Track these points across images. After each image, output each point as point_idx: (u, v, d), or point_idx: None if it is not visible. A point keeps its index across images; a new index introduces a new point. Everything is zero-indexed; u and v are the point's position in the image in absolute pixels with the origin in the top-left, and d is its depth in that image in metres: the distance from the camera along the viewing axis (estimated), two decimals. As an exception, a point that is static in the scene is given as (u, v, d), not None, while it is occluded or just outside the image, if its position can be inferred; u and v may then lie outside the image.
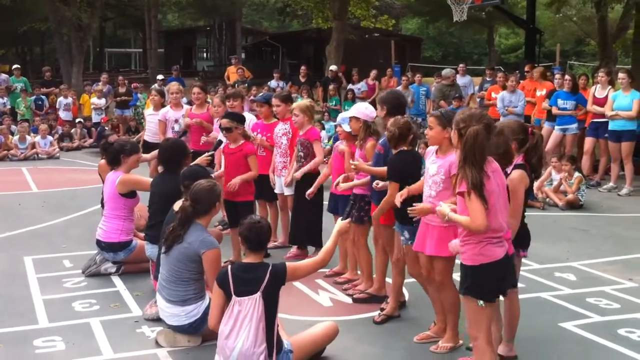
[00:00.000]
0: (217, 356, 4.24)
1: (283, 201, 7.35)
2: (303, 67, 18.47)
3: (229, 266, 4.33)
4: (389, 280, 5.65)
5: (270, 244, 6.76)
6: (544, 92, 12.40)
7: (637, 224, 8.81)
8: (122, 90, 17.86)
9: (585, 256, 7.25)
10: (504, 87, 13.10)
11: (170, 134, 8.75)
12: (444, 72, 14.86)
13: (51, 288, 6.09)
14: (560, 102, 11.49)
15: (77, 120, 17.41)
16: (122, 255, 6.46)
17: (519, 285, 4.75)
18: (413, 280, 5.27)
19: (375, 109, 5.71)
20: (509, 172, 4.25)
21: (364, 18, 25.63)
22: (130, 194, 6.48)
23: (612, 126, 10.70)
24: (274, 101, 7.23)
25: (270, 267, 4.23)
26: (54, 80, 20.37)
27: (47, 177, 12.59)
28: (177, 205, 5.19)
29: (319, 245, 6.68)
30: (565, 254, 7.32)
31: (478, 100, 14.99)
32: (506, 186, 3.99)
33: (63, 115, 17.65)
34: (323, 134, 13.22)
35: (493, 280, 3.87)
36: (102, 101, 17.74)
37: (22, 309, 5.57)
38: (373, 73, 17.84)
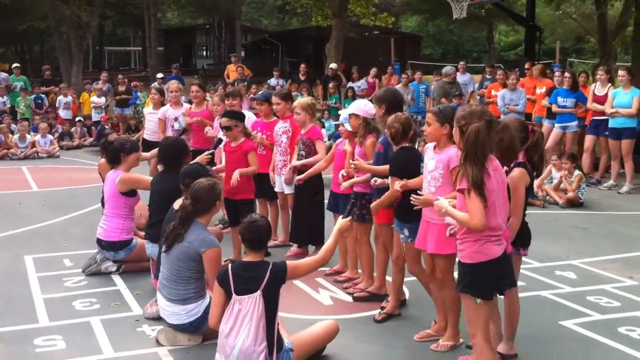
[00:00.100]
0: (218, 355, 4.24)
1: (283, 200, 7.35)
2: (303, 65, 18.45)
3: (230, 265, 4.33)
4: (389, 278, 5.65)
5: (271, 243, 6.77)
6: (543, 89, 12.39)
7: (637, 222, 8.81)
8: (121, 88, 17.85)
9: (585, 254, 7.25)
10: (504, 85, 13.09)
11: (170, 133, 8.76)
12: (445, 69, 14.86)
13: (51, 287, 6.09)
14: (560, 99, 11.48)
15: (77, 119, 17.40)
16: (122, 254, 6.46)
17: (520, 283, 4.76)
18: (413, 278, 5.26)
19: None
20: (509, 170, 4.25)
21: (364, 16, 25.61)
22: (130, 193, 6.48)
23: (612, 124, 10.70)
24: (274, 99, 7.22)
25: (270, 266, 4.23)
26: (54, 79, 20.40)
27: (47, 176, 12.59)
28: (177, 204, 5.19)
29: (320, 244, 6.67)
30: (566, 252, 7.32)
31: (478, 98, 14.99)
32: (507, 185, 3.99)
33: (63, 114, 17.66)
34: (323, 132, 13.19)
35: (491, 278, 3.88)
36: (102, 100, 17.74)
37: (22, 308, 5.58)
38: (373, 71, 17.85)
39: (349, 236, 6.14)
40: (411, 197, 4.38)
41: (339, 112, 6.69)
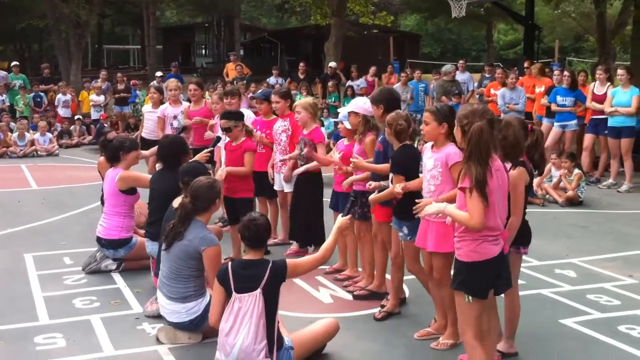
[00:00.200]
0: (218, 353, 4.24)
1: (283, 198, 7.34)
2: (302, 64, 18.43)
3: (229, 263, 4.33)
4: (389, 277, 5.66)
5: (271, 241, 6.76)
6: (542, 88, 12.39)
7: (636, 221, 8.82)
8: (120, 87, 17.84)
9: (585, 253, 7.26)
10: (503, 84, 13.08)
11: (169, 131, 8.76)
12: (445, 68, 14.85)
13: (51, 285, 6.09)
14: (559, 98, 11.48)
15: (76, 117, 17.39)
16: (122, 252, 6.45)
17: (520, 281, 4.77)
18: (413, 277, 5.26)
19: None
20: (513, 168, 4.25)
21: (363, 14, 25.59)
22: (130, 191, 6.48)
23: (611, 122, 10.70)
24: (273, 98, 7.22)
25: (270, 264, 4.23)
26: (53, 77, 20.37)
27: (46, 174, 12.58)
28: (176, 202, 5.19)
29: (319, 244, 6.66)
30: (565, 251, 7.33)
31: (477, 96, 14.99)
32: (507, 185, 3.98)
33: (62, 112, 17.65)
34: (322, 130, 13.19)
35: (487, 278, 3.88)
36: (101, 98, 17.72)
37: (22, 306, 5.58)
38: (372, 69, 17.84)
39: (348, 234, 6.14)
40: (413, 208, 4.34)
41: (338, 110, 6.68)
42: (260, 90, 9.41)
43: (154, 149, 7.33)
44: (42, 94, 18.10)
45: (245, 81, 16.24)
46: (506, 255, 4.04)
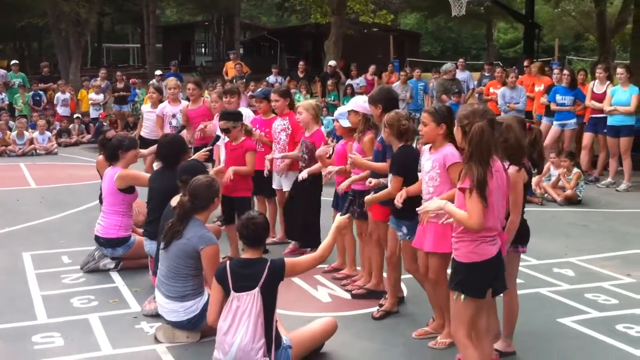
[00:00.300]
0: (216, 352, 4.24)
1: (281, 197, 7.34)
2: (301, 63, 18.42)
3: (228, 262, 4.33)
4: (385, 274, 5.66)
5: (269, 240, 6.76)
6: (542, 87, 12.39)
7: (635, 220, 8.82)
8: (120, 85, 17.83)
9: (583, 252, 7.26)
10: (503, 83, 13.06)
11: (167, 129, 8.76)
12: (445, 66, 14.84)
13: (50, 284, 6.09)
14: (558, 97, 11.48)
15: (75, 115, 17.38)
16: (120, 251, 6.45)
17: (518, 280, 4.77)
18: (411, 276, 5.26)
19: None
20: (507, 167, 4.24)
21: (363, 13, 25.57)
22: (128, 190, 6.48)
23: (610, 121, 10.70)
24: (273, 96, 7.21)
25: (268, 263, 4.23)
26: (52, 76, 20.37)
27: (45, 172, 12.58)
28: (174, 201, 5.19)
29: (316, 245, 6.64)
30: (564, 250, 7.33)
31: (477, 95, 14.98)
32: (507, 186, 3.98)
33: (61, 110, 17.64)
34: (322, 129, 13.17)
35: (485, 278, 3.88)
36: (100, 97, 17.70)
37: (20, 305, 5.57)
38: (372, 68, 17.83)
39: (346, 234, 6.14)
40: (418, 210, 4.30)
41: (338, 109, 6.68)
42: (259, 89, 9.40)
43: (153, 147, 7.33)
44: (41, 92, 18.11)
45: (244, 80, 16.23)
46: (502, 257, 4.04)
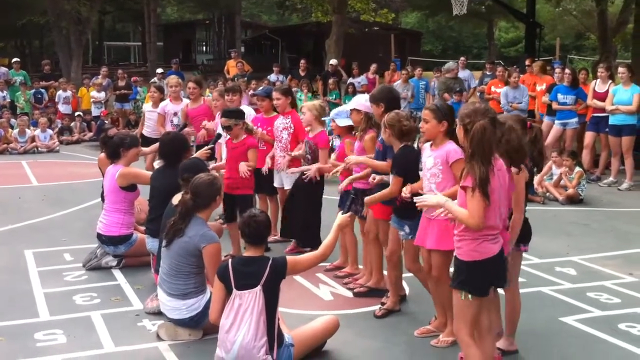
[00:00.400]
0: (218, 349, 4.24)
1: (283, 195, 7.34)
2: (303, 61, 18.41)
3: (230, 260, 4.33)
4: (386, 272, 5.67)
5: (271, 238, 6.77)
6: (544, 86, 12.39)
7: (637, 219, 8.82)
8: (121, 83, 17.84)
9: (585, 251, 7.25)
10: (506, 83, 13.04)
11: (169, 127, 8.76)
12: (447, 65, 14.83)
13: (52, 281, 6.09)
14: (560, 96, 11.48)
15: (77, 113, 17.39)
16: (122, 248, 6.46)
17: (520, 279, 4.76)
18: (413, 274, 5.26)
19: None
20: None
21: (364, 12, 25.54)
22: (130, 188, 6.48)
23: (612, 120, 10.70)
24: (274, 94, 7.21)
25: (270, 261, 4.23)
26: (53, 74, 20.37)
27: (47, 170, 12.59)
28: (175, 199, 5.19)
29: (315, 245, 6.61)
30: (566, 249, 7.33)
31: (478, 94, 14.98)
32: (509, 184, 3.98)
33: (62, 108, 17.65)
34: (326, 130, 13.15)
35: (487, 276, 3.88)
36: (102, 95, 17.71)
37: (22, 303, 5.58)
38: (373, 67, 17.82)
39: (348, 232, 6.14)
40: (415, 200, 4.30)
41: (334, 109, 6.68)
42: (261, 88, 9.40)
43: (155, 145, 7.33)
44: (42, 90, 18.12)
45: (246, 78, 16.23)
46: (505, 256, 4.04)
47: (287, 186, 7.14)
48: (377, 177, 5.16)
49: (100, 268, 6.44)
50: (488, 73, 15.09)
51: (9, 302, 5.59)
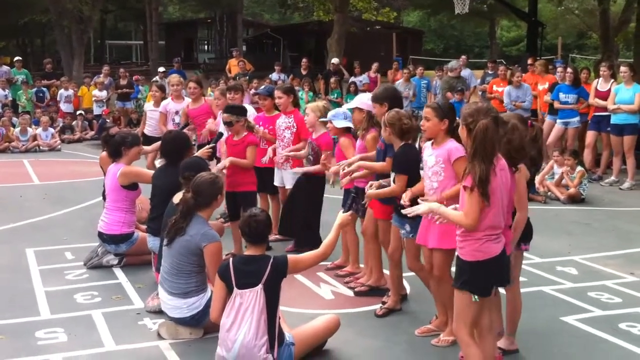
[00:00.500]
0: (219, 348, 4.24)
1: (284, 194, 7.34)
2: (304, 60, 18.41)
3: (230, 259, 4.33)
4: (386, 271, 5.66)
5: (272, 237, 6.77)
6: (546, 85, 12.38)
7: (638, 218, 8.81)
8: (123, 82, 17.84)
9: (586, 250, 7.25)
10: (509, 82, 13.01)
11: (171, 126, 8.76)
12: (450, 64, 14.82)
13: (53, 280, 6.10)
14: (562, 95, 11.46)
15: (78, 112, 17.40)
16: (123, 247, 6.46)
17: (521, 279, 4.76)
18: (414, 273, 5.26)
19: None
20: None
21: (366, 10, 25.55)
22: (131, 186, 6.48)
23: (614, 120, 10.69)
24: (277, 93, 7.21)
25: (271, 260, 4.23)
26: (55, 72, 20.39)
27: (48, 169, 12.60)
28: (176, 198, 5.19)
29: (315, 245, 6.58)
30: (567, 248, 7.32)
31: (480, 93, 14.96)
32: (511, 184, 3.97)
33: (64, 107, 17.65)
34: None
35: (490, 276, 3.88)
36: (104, 93, 17.72)
37: (24, 301, 5.58)
38: (375, 66, 17.81)
39: (349, 231, 6.14)
40: (404, 212, 4.27)
41: (344, 105, 6.67)
42: (263, 86, 9.40)
43: (157, 144, 7.33)
44: (44, 89, 18.15)
45: (247, 77, 16.23)
46: (507, 255, 4.04)
47: (288, 185, 7.14)
48: (375, 184, 5.13)
49: (102, 267, 6.45)
50: (490, 72, 15.07)
51: (10, 301, 5.60)
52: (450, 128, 4.52)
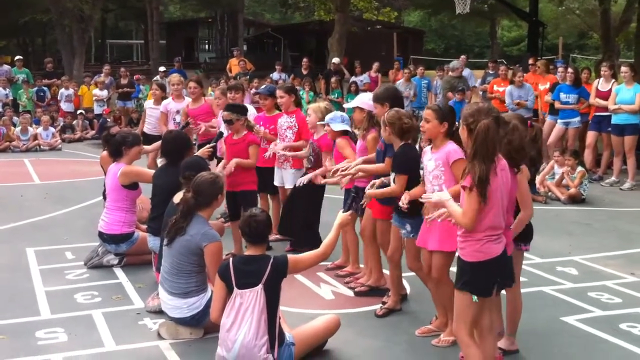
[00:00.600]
0: (219, 348, 4.24)
1: (284, 194, 7.33)
2: (305, 60, 18.40)
3: (231, 259, 4.33)
4: (386, 271, 5.65)
5: (272, 237, 6.77)
6: (547, 85, 12.37)
7: (639, 218, 8.80)
8: (124, 82, 17.83)
9: (587, 250, 7.25)
10: (510, 82, 13.01)
11: (171, 126, 8.75)
12: (452, 64, 14.81)
13: (53, 280, 6.10)
14: (562, 95, 11.46)
15: (79, 111, 17.39)
16: (124, 247, 6.46)
17: (521, 279, 4.75)
18: (414, 273, 5.26)
19: None
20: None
21: (366, 10, 25.56)
22: (132, 186, 6.48)
23: (615, 120, 10.68)
24: (279, 92, 7.20)
25: (271, 260, 4.23)
26: (56, 72, 20.40)
27: (49, 168, 12.60)
28: (177, 197, 5.19)
29: (315, 245, 6.57)
30: (567, 248, 7.32)
31: (481, 93, 14.95)
32: (512, 184, 3.97)
33: (64, 106, 17.64)
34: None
35: (491, 277, 3.87)
36: (104, 93, 17.72)
37: (24, 301, 5.58)
38: (375, 65, 17.80)
39: (349, 231, 6.13)
40: (423, 198, 4.28)
41: (344, 105, 6.67)
42: (264, 86, 9.39)
43: (157, 143, 7.33)
44: (45, 88, 18.14)
45: (248, 77, 16.23)
46: (509, 255, 4.03)
47: (288, 185, 7.14)
48: (377, 182, 5.13)
49: (102, 266, 6.45)
50: (491, 72, 15.06)
51: (10, 300, 5.60)
52: (450, 131, 4.51)
